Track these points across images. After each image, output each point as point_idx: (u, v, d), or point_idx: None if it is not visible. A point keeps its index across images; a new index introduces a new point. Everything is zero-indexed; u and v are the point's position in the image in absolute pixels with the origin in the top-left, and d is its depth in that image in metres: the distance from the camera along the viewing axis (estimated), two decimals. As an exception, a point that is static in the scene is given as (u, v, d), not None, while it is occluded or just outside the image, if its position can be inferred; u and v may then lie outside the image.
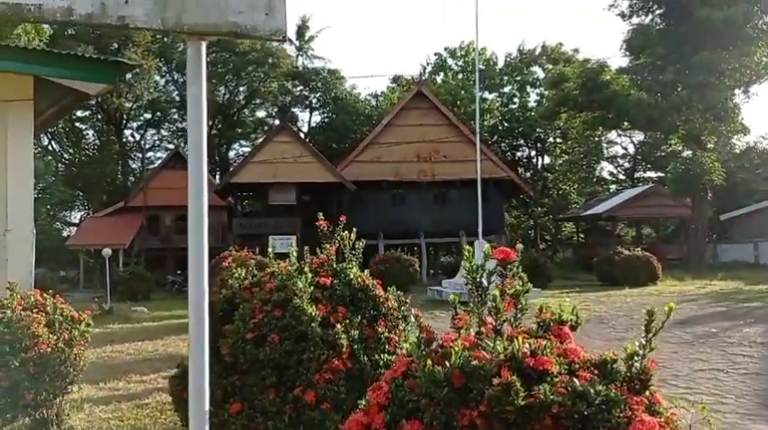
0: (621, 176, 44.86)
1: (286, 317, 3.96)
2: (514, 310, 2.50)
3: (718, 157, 29.94)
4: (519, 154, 44.75)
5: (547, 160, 44.80)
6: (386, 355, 4.00)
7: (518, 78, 44.93)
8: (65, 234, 38.87)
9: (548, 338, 2.37)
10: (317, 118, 45.17)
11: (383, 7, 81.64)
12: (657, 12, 30.53)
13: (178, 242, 31.12)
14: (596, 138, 40.79)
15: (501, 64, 46.08)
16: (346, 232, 4.53)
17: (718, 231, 35.83)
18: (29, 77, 7.16)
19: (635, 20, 31.09)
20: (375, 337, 4.10)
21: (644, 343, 2.19)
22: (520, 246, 28.47)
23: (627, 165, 44.39)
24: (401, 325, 4.30)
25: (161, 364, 9.14)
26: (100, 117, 42.16)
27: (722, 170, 28.76)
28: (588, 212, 34.71)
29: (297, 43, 46.03)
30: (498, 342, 2.22)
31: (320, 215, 4.64)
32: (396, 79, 46.83)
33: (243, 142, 47.04)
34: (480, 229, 17.98)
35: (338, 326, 3.95)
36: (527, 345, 2.21)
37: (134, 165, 46.98)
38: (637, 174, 42.77)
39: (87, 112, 41.22)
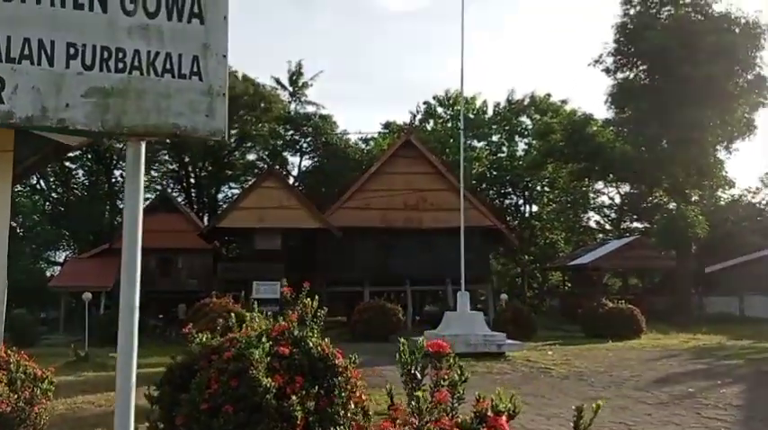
0: (608, 226, 45.18)
1: (241, 387, 3.95)
2: (451, 400, 2.52)
3: (702, 211, 30.30)
4: (507, 201, 45.08)
5: (534, 208, 45.13)
6: (341, 429, 3.99)
7: (506, 128, 45.59)
8: (49, 274, 38.49)
9: (482, 431, 2.39)
10: (307, 162, 45.53)
11: (377, 53, 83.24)
12: (641, 67, 31.30)
13: (161, 285, 30.88)
14: (583, 188, 41.23)
15: (490, 113, 46.84)
16: (308, 299, 4.56)
17: (704, 283, 35.94)
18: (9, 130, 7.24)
19: (620, 75, 31.84)
20: (332, 409, 4.09)
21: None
22: (504, 295, 28.64)
23: (613, 215, 44.75)
24: (358, 392, 4.30)
25: (130, 418, 8.94)
26: (90, 157, 42.27)
27: (706, 223, 29.06)
28: (574, 262, 34.82)
29: (290, 89, 46.71)
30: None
31: (290, 273, 4.69)
32: (387, 125, 47.41)
33: (232, 184, 47.13)
34: (463, 279, 17.98)
35: (293, 397, 3.95)
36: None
37: (122, 206, 46.80)
38: (623, 225, 43.09)
39: (77, 152, 41.31)
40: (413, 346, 2.45)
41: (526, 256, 42.18)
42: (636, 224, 40.81)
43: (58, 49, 2.07)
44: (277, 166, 42.95)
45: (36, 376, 5.65)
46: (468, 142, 44.74)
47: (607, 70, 31.78)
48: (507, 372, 13.51)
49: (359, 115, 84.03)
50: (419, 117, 49.48)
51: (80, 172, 44.46)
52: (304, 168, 45.16)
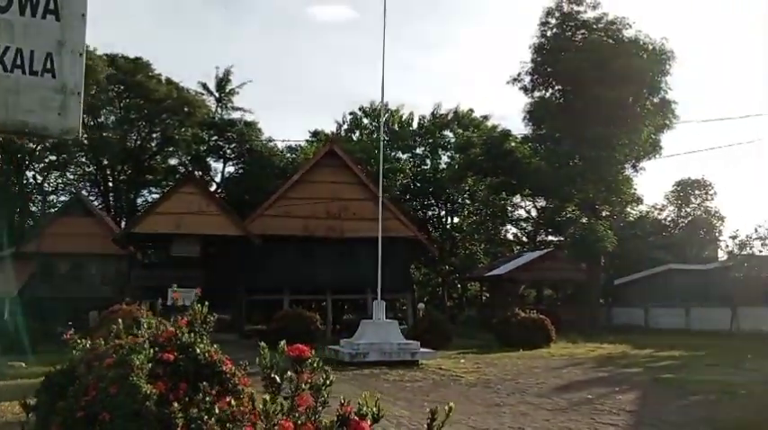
0: (525, 239, 46.66)
1: (120, 394, 3.85)
2: (315, 403, 2.56)
3: (611, 225, 31.77)
4: (430, 213, 45.78)
5: (456, 220, 46.05)
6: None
7: (431, 140, 46.39)
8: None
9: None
10: (230, 168, 44.73)
11: (306, 62, 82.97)
12: (557, 87, 32.61)
13: (72, 291, 29.57)
14: (501, 202, 42.42)
15: (416, 125, 47.56)
16: (199, 305, 4.50)
17: (612, 295, 37.66)
18: None
19: (537, 93, 33.03)
20: (216, 416, 4.04)
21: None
22: (421, 305, 29.03)
23: (530, 228, 46.25)
24: (247, 400, 4.27)
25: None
26: (0, 157, 40.02)
27: (615, 237, 30.49)
28: (491, 273, 35.75)
29: (216, 95, 45.91)
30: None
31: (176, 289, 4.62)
32: (315, 134, 47.28)
33: (153, 189, 45.72)
34: (379, 288, 18.13)
35: (175, 404, 3.88)
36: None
37: (34, 208, 44.68)
38: (539, 238, 44.58)
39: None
40: (279, 351, 2.48)
41: (447, 267, 42.92)
42: (551, 237, 42.28)
43: None
44: (199, 172, 42.03)
45: None
46: (393, 154, 45.23)
47: (525, 89, 32.92)
48: (418, 380, 13.69)
49: (288, 123, 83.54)
50: (345, 127, 49.70)
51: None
52: (227, 175, 44.37)
